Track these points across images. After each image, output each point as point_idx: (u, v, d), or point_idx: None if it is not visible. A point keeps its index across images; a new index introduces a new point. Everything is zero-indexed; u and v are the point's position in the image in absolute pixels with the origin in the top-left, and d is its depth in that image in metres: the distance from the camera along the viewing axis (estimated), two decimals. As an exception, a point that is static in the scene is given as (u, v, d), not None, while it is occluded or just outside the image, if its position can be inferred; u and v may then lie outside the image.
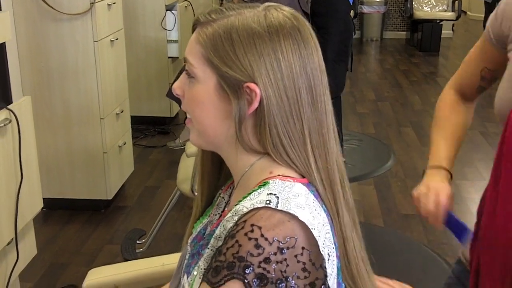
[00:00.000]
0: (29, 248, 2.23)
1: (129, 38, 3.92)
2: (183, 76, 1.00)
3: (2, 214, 1.97)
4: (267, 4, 0.97)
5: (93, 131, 3.31)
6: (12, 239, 2.06)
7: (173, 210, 3.14)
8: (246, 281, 0.82)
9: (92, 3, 3.07)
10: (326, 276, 0.87)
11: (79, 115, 3.27)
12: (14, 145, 2.00)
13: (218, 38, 0.93)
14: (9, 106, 1.98)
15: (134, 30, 4.43)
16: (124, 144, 3.64)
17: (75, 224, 3.37)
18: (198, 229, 1.10)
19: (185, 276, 1.01)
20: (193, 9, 5.06)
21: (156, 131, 4.79)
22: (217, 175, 1.14)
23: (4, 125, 1.93)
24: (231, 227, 0.88)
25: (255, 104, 0.92)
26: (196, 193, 2.46)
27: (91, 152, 3.36)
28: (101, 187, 3.44)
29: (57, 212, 3.44)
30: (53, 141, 3.30)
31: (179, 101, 4.30)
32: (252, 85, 0.91)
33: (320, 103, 0.95)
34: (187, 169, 2.72)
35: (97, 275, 1.45)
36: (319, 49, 0.98)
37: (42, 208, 2.34)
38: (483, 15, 7.71)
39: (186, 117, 1.05)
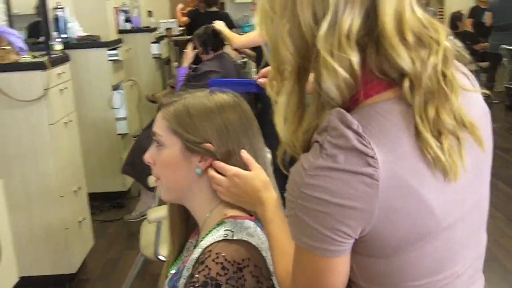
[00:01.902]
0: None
1: (80, 118, 4.13)
2: (153, 147, 1.28)
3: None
4: (213, 88, 1.28)
5: (54, 209, 3.47)
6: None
7: (136, 279, 3.29)
8: None
9: (46, 89, 3.29)
10: (273, 286, 1.14)
11: (38, 195, 3.44)
12: (-11, 223, 2.18)
13: (179, 114, 1.23)
14: (-17, 188, 2.17)
15: (85, 111, 4.64)
16: (84, 219, 3.80)
17: (41, 301, 3.48)
18: (173, 272, 1.33)
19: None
20: (138, 87, 5.33)
21: (111, 205, 4.95)
22: (185, 226, 1.39)
23: (-20, 205, 2.11)
24: (197, 257, 1.14)
25: (210, 160, 1.20)
26: (160, 257, 2.67)
27: (53, 229, 3.50)
28: (64, 262, 3.57)
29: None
30: (15, 221, 3.44)
31: (135, 176, 4.52)
32: (208, 145, 1.19)
33: (259, 156, 1.24)
34: (149, 235, 2.91)
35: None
36: (255, 118, 1.27)
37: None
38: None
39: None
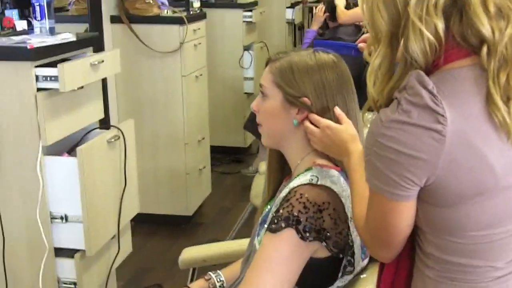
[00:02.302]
0: (126, 244, 2.66)
1: (210, 74, 4.39)
2: (258, 97, 1.44)
3: (110, 213, 2.41)
4: (317, 48, 1.43)
5: (178, 154, 3.76)
6: (115, 235, 2.49)
7: (244, 226, 3.52)
8: (297, 229, 1.22)
9: (181, 43, 3.55)
10: (349, 228, 1.28)
11: (166, 140, 3.74)
12: (120, 157, 2.45)
13: (283, 69, 1.38)
14: (118, 125, 2.44)
15: (215, 68, 4.90)
16: (204, 167, 4.08)
17: (159, 236, 3.81)
18: (266, 210, 1.49)
19: (256, 238, 1.41)
20: (267, 49, 5.51)
21: (231, 159, 5.23)
22: (281, 170, 1.55)
23: (114, 140, 2.38)
24: (285, 196, 1.29)
25: (306, 113, 1.33)
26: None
27: (175, 173, 3.80)
28: (182, 205, 3.87)
29: (143, 225, 3.89)
30: (141, 161, 3.76)
31: (255, 133, 4.75)
32: (305, 99, 1.33)
33: (351, 114, 1.36)
34: (259, 186, 3.12)
35: (189, 252, 1.85)
36: (351, 78, 1.39)
37: (131, 221, 2.76)
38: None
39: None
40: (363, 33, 1.42)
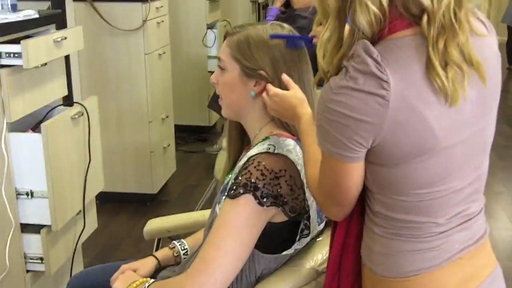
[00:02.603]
0: (92, 220, 2.69)
1: (174, 53, 4.40)
2: (217, 69, 1.49)
3: (75, 189, 2.44)
4: (273, 22, 1.50)
5: (142, 132, 3.79)
6: (80, 210, 2.52)
7: (208, 203, 3.58)
8: (255, 195, 1.28)
9: (144, 20, 3.57)
10: (305, 193, 1.36)
11: (130, 118, 3.76)
12: (84, 134, 2.48)
13: (240, 43, 1.45)
14: (81, 102, 2.46)
15: (179, 46, 4.92)
16: (168, 145, 4.11)
17: (124, 214, 3.85)
18: (227, 179, 1.55)
19: (217, 206, 1.47)
20: (231, 27, 5.53)
21: (195, 138, 5.27)
22: (240, 141, 1.61)
23: (78, 116, 2.41)
24: (243, 164, 1.35)
25: (263, 84, 1.39)
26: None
27: (140, 151, 3.83)
28: (147, 183, 3.91)
29: (109, 204, 3.91)
30: (106, 139, 3.78)
31: (219, 111, 4.79)
32: (262, 71, 1.39)
33: (307, 84, 1.43)
34: (222, 162, 3.16)
35: (154, 222, 1.91)
36: (306, 50, 1.46)
37: (96, 200, 2.78)
38: None
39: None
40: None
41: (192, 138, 5.26)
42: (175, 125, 4.38)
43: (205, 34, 5.02)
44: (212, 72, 5.16)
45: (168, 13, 4.02)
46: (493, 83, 1.10)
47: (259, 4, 6.85)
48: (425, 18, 1.02)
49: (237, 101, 1.47)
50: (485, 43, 1.10)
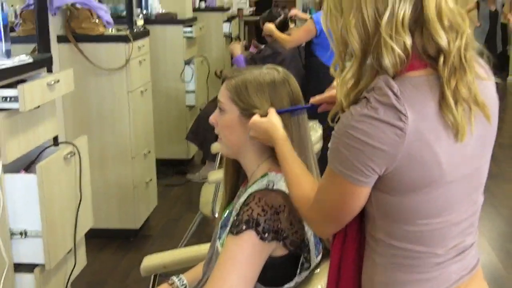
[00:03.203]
0: (82, 257, 2.74)
1: (154, 89, 4.48)
2: (216, 111, 1.58)
3: (66, 227, 2.49)
4: (268, 65, 1.59)
5: (125, 168, 3.85)
6: (71, 248, 2.57)
7: (193, 237, 3.63)
8: (257, 230, 1.37)
9: (127, 60, 3.65)
10: (303, 227, 1.45)
11: (113, 154, 3.82)
12: (75, 172, 2.54)
13: (238, 86, 1.55)
14: (73, 142, 2.53)
15: (158, 82, 5.00)
16: (150, 180, 4.17)
17: (108, 250, 3.88)
18: (225, 214, 1.63)
19: (217, 241, 1.55)
20: (208, 63, 5.66)
21: (175, 171, 5.33)
22: (237, 176, 1.70)
23: (70, 156, 2.48)
24: (244, 200, 1.45)
25: None
26: (215, 215, 3.01)
27: (123, 187, 3.88)
28: (130, 218, 3.95)
29: (93, 240, 3.94)
30: (91, 177, 3.83)
31: (197, 143, 4.87)
32: (259, 112, 1.49)
33: (302, 124, 1.53)
34: (208, 194, 3.25)
35: (150, 259, 1.97)
36: (300, 92, 1.57)
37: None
38: None
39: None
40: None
41: (172, 171, 5.32)
42: (156, 159, 4.45)
43: (183, 69, 5.13)
44: (190, 107, 5.34)
45: (149, 52, 4.11)
46: (493, 125, 1.21)
47: (232, 38, 7.01)
48: (441, 58, 1.12)
49: (236, 142, 1.56)
50: (486, 86, 1.20)
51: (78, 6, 3.55)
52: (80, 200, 2.56)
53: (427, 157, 1.12)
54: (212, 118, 1.60)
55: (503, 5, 8.33)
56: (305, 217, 1.36)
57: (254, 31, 8.58)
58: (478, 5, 8.12)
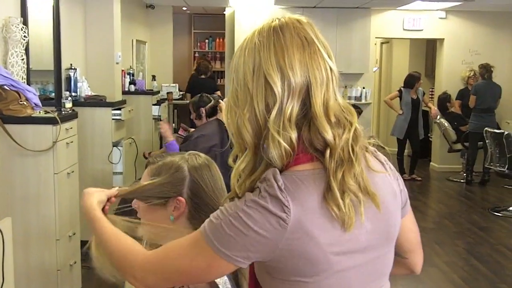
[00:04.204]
0: None
1: (81, 170, 4.48)
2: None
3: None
4: (190, 152, 1.69)
5: (49, 251, 3.80)
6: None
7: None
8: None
9: (54, 142, 3.68)
10: None
11: (38, 237, 3.77)
12: (-2, 255, 2.52)
13: (159, 170, 1.61)
14: (-3, 224, 2.53)
15: (85, 164, 5.01)
16: (75, 263, 4.12)
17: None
18: None
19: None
20: (136, 145, 5.72)
21: (100, 254, 5.23)
22: None
23: (-7, 238, 2.46)
24: None
25: (182, 209, 1.58)
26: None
27: (47, 270, 3.81)
28: (53, 302, 3.86)
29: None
30: (14, 259, 3.75)
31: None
32: (180, 198, 1.57)
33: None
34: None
35: None
36: (222, 177, 1.67)
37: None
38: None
39: None
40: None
41: (96, 254, 5.23)
42: (81, 241, 4.40)
43: (111, 151, 5.17)
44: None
45: (77, 134, 4.15)
46: (391, 217, 1.27)
47: (160, 121, 7.12)
48: (328, 151, 1.19)
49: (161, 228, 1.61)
50: (381, 179, 1.28)
51: (6, 88, 3.59)
52: (2, 284, 2.52)
53: (310, 248, 1.16)
54: (134, 203, 1.66)
55: (423, 94, 8.79)
56: (135, 267, 1.30)
57: (182, 114, 8.80)
58: (400, 93, 8.54)
